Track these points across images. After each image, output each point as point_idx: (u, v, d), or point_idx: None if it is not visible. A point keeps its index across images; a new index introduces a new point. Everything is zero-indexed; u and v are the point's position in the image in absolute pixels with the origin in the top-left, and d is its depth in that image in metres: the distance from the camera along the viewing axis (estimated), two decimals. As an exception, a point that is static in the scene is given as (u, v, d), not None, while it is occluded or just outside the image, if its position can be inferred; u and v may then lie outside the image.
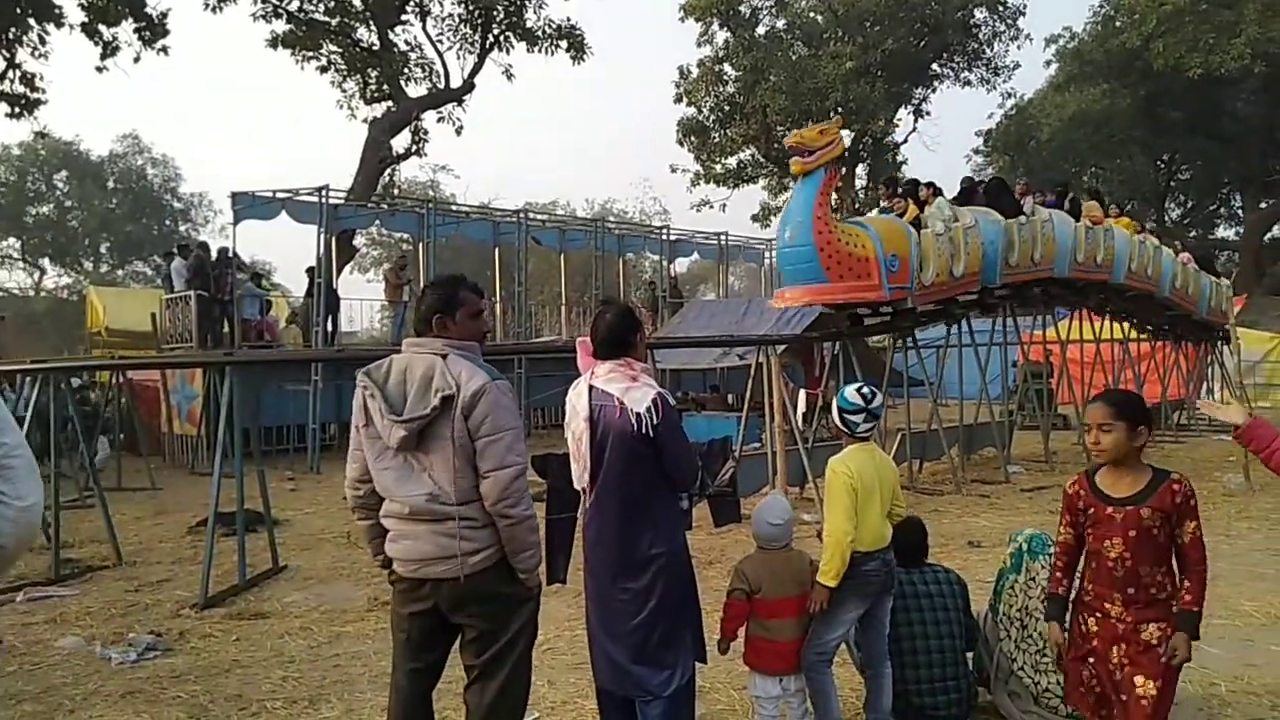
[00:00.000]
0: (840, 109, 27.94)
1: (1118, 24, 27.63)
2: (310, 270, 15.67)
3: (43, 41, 17.97)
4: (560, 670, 4.77)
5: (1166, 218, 34.86)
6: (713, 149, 30.59)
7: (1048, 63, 31.77)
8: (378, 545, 2.98)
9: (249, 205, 15.04)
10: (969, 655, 4.02)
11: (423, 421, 2.77)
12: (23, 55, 17.76)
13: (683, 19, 28.97)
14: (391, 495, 2.87)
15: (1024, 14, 28.72)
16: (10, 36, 17.24)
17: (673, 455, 3.18)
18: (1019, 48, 29.85)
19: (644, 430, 3.10)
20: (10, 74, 17.61)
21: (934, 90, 30.90)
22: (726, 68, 29.51)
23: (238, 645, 5.31)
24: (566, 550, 4.69)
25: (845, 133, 8.89)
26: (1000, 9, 28.52)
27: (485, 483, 2.81)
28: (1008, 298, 11.16)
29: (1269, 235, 32.20)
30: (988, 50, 29.59)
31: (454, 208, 22.32)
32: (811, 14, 29.91)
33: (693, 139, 30.42)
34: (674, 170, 32.67)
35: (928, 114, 31.27)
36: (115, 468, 12.10)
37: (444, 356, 2.86)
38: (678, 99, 30.18)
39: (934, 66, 30.04)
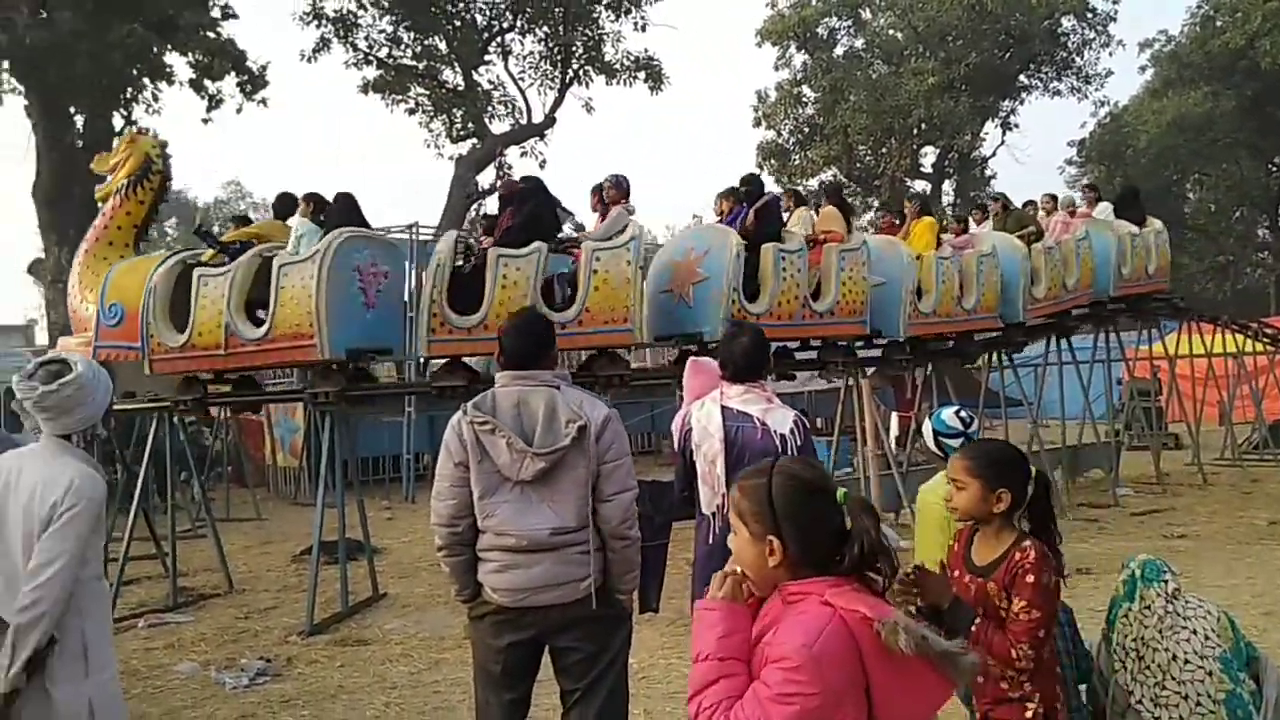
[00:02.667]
0: (924, 125, 27.53)
1: (1218, 24, 26.54)
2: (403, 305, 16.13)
3: (155, 99, 19.16)
4: (656, 699, 4.75)
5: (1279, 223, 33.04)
6: (793, 171, 30.47)
7: (1142, 68, 30.79)
8: (469, 579, 2.96)
9: (344, 244, 15.60)
10: (1082, 687, 3.83)
11: (561, 453, 2.81)
12: (138, 112, 18.96)
13: (759, 44, 29.08)
14: (506, 529, 2.84)
15: (1114, 20, 27.93)
16: (128, 96, 18.41)
17: None
18: (1110, 54, 29.03)
19: (788, 451, 3.11)
20: (127, 130, 18.81)
21: (1022, 102, 30.20)
22: (805, 90, 29.46)
23: (342, 671, 5.47)
24: (659, 577, 4.68)
25: (151, 140, 7.29)
26: (1089, 16, 27.72)
27: (608, 505, 2.87)
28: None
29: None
30: (1077, 59, 28.77)
31: (538, 239, 22.77)
32: (891, 31, 29.64)
33: (773, 161, 30.38)
34: (754, 194, 32.62)
35: (1016, 126, 30.58)
36: (224, 499, 12.65)
37: (557, 387, 2.92)
38: (756, 123, 30.23)
39: (1021, 78, 29.34)
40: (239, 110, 19.99)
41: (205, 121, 19.64)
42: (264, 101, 19.91)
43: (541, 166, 25.06)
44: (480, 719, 3.04)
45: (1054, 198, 11.06)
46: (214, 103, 19.45)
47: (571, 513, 2.84)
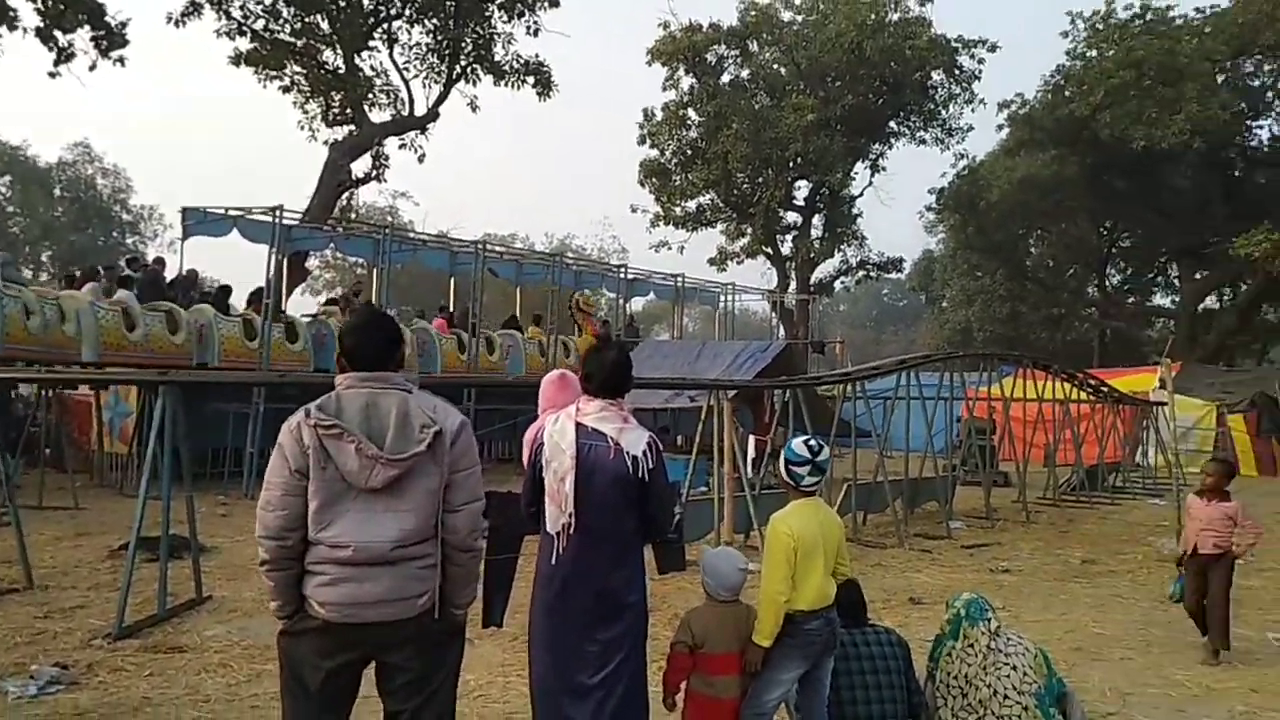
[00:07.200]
0: (799, 159, 28.49)
1: (1067, 93, 28.64)
2: (257, 292, 15.25)
3: (-6, 42, 17.54)
4: (493, 718, 4.60)
5: (1108, 283, 36.00)
6: (673, 191, 30.91)
7: (1000, 127, 32.78)
8: (294, 594, 2.72)
9: (199, 221, 14.72)
10: None
11: (414, 460, 2.65)
12: (-28, 54, 17.32)
13: (649, 63, 29.42)
14: (344, 540, 2.63)
15: (979, 79, 29.74)
16: (-39, 36, 16.80)
17: (661, 499, 3.19)
18: (973, 110, 30.72)
19: (639, 474, 3.07)
20: None
21: (891, 146, 31.75)
22: (690, 113, 29.99)
23: (150, 681, 5.04)
24: (505, 592, 4.56)
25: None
26: (956, 73, 29.47)
27: (457, 516, 2.74)
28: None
29: (1202, 305, 33.31)
30: (943, 111, 30.52)
31: (411, 235, 22.11)
32: (775, 65, 30.59)
33: (654, 180, 30.75)
34: (634, 210, 32.96)
35: (884, 169, 32.10)
36: (37, 485, 11.57)
37: (409, 391, 2.76)
38: (641, 140, 30.52)
39: (891, 124, 30.87)
40: (92, 68, 18.57)
41: (52, 75, 18.16)
42: (121, 61, 18.58)
43: (420, 161, 24.44)
44: None
45: None
46: (64, 55, 18.01)
47: (416, 524, 2.68)
